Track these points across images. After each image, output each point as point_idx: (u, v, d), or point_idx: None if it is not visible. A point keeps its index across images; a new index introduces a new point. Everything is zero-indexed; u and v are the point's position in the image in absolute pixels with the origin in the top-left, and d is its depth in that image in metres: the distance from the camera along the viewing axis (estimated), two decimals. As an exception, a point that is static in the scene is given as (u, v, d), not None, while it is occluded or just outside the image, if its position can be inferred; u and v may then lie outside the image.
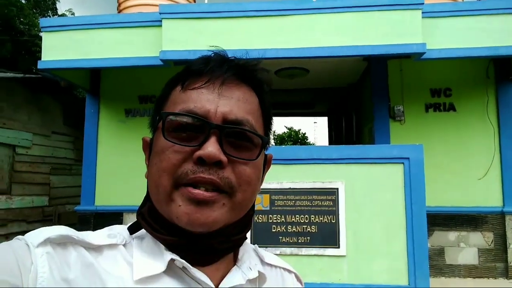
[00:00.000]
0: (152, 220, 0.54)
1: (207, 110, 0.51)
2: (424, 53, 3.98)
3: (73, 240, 0.48)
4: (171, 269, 0.51)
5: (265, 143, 0.55)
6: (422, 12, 4.04)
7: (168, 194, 0.51)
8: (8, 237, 5.49)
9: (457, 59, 4.44)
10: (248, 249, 0.63)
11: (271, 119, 0.61)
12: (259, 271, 0.58)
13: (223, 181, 0.50)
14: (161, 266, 0.51)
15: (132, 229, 0.56)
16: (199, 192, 0.49)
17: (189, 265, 0.51)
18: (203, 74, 0.54)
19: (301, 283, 0.70)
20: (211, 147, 0.49)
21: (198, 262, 0.53)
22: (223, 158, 0.50)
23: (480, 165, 4.75)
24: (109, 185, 5.15)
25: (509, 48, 4.07)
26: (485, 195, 4.70)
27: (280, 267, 0.67)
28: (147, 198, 0.57)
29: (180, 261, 0.51)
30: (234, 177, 0.51)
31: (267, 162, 0.60)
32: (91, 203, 5.13)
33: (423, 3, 4.01)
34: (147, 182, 0.56)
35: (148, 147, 0.58)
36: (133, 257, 0.52)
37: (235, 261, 0.59)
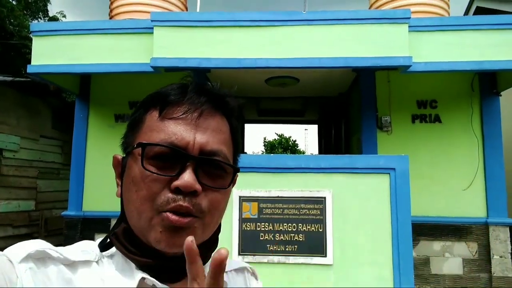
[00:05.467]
0: (126, 242, 0.58)
1: (186, 142, 0.55)
2: (410, 66, 4.04)
3: (51, 256, 0.51)
4: (142, 286, 0.54)
5: (236, 172, 0.60)
6: (409, 26, 4.11)
7: (149, 220, 0.54)
8: (-8, 242, 5.39)
9: (443, 72, 4.52)
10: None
11: (239, 143, 0.66)
12: None
13: (195, 208, 0.54)
14: (132, 283, 0.54)
15: (103, 247, 0.59)
16: (177, 219, 0.53)
17: (158, 282, 0.54)
18: (181, 103, 0.57)
19: (255, 277, 0.74)
20: (188, 178, 0.53)
21: (168, 279, 0.57)
22: (198, 187, 0.54)
23: (464, 176, 4.81)
24: (97, 191, 5.09)
25: (492, 62, 4.14)
26: (469, 205, 4.74)
27: (230, 271, 0.70)
28: (121, 219, 0.60)
29: (150, 280, 0.54)
30: (205, 202, 0.56)
31: (233, 182, 0.63)
32: (79, 208, 5.07)
33: (409, 18, 4.09)
34: (125, 205, 0.59)
35: (120, 166, 0.61)
36: (105, 275, 0.55)
37: None
